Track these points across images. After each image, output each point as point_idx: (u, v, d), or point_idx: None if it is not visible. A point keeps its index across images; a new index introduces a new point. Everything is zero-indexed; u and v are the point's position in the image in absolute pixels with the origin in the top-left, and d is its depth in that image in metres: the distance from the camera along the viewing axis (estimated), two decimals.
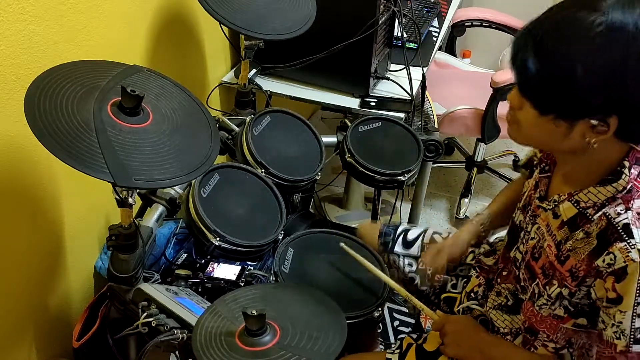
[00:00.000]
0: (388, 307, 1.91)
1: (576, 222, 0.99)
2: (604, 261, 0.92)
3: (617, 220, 0.92)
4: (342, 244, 1.35)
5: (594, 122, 0.87)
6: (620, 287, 0.91)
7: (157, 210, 1.33)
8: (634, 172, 0.93)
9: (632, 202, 0.92)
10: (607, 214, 0.93)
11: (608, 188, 0.94)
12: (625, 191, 0.93)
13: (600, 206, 0.95)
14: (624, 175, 0.93)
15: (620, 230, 0.91)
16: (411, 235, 1.43)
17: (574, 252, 0.98)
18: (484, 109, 2.27)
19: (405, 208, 2.45)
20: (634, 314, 0.90)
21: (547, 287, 1.03)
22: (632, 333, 0.91)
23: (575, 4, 0.86)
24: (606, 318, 0.95)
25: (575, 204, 0.98)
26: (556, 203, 1.02)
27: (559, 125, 0.90)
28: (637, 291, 0.89)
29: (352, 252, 1.33)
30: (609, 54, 0.82)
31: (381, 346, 1.76)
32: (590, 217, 0.96)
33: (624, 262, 0.89)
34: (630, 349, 0.92)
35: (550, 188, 1.08)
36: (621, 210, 0.92)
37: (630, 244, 0.89)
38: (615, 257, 0.90)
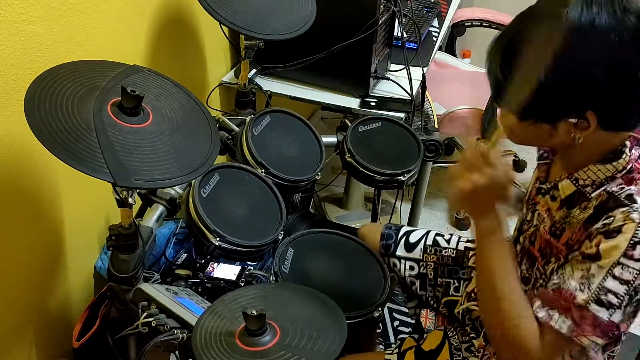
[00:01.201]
0: (388, 307, 1.91)
1: (574, 200, 0.98)
2: (600, 223, 0.91)
3: (619, 192, 0.91)
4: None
5: (572, 120, 0.88)
6: (605, 243, 0.88)
7: (157, 210, 1.33)
8: (635, 153, 0.94)
9: (634, 182, 0.92)
10: (608, 190, 0.93)
11: (608, 167, 0.94)
12: (625, 171, 0.93)
13: (599, 185, 0.95)
14: (624, 155, 0.93)
15: (624, 199, 0.90)
16: (413, 238, 1.42)
17: (568, 224, 0.98)
18: (483, 109, 2.28)
19: (405, 208, 2.45)
20: (609, 272, 0.88)
21: (546, 267, 1.03)
22: (597, 290, 0.88)
23: (538, 12, 0.89)
24: (568, 269, 0.92)
25: (575, 182, 0.98)
26: (556, 182, 1.02)
27: (541, 127, 0.92)
28: (625, 251, 0.87)
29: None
30: (569, 55, 0.84)
31: (381, 346, 1.76)
32: (587, 195, 0.96)
33: (623, 221, 0.87)
34: (589, 306, 0.89)
35: (550, 175, 1.08)
36: (623, 186, 0.92)
37: (633, 207, 0.88)
38: (614, 218, 0.89)
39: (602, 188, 0.94)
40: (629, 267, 0.87)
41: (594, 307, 0.89)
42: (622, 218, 0.88)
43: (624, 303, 0.88)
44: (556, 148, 1.04)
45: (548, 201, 1.04)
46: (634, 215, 0.87)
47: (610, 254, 0.88)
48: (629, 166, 0.93)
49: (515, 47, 0.89)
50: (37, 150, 1.18)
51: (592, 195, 0.95)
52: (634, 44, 0.84)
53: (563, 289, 0.92)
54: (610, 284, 0.88)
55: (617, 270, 0.88)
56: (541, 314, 0.93)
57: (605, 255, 0.88)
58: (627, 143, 0.94)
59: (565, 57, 0.84)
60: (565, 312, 0.91)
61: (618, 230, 0.88)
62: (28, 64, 1.15)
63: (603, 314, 0.89)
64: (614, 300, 0.88)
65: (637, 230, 0.86)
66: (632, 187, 0.91)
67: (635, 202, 0.89)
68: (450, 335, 1.27)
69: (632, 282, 0.88)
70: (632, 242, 0.87)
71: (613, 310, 0.89)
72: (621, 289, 0.88)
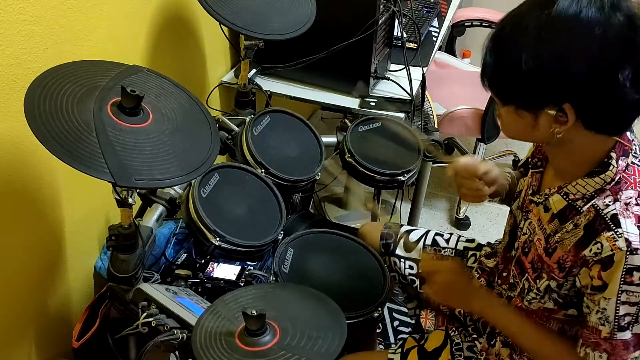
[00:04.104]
0: (388, 307, 1.91)
1: (565, 214, 0.99)
2: (590, 251, 0.93)
3: (605, 211, 0.93)
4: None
5: (551, 112, 0.89)
6: (606, 275, 0.92)
7: (157, 210, 1.33)
8: (622, 163, 0.94)
9: (620, 193, 0.94)
10: (596, 205, 0.94)
11: (596, 180, 0.95)
12: (613, 183, 0.94)
13: (589, 198, 0.96)
14: (611, 167, 0.94)
15: (608, 221, 0.92)
16: (412, 238, 1.43)
17: (560, 244, 0.99)
18: (483, 109, 2.28)
19: (405, 208, 2.45)
20: (618, 301, 0.91)
21: (538, 281, 1.03)
22: (616, 320, 0.92)
23: (533, 1, 0.90)
24: (591, 304, 0.96)
25: (565, 196, 0.99)
26: (547, 196, 1.03)
27: (523, 116, 0.93)
28: (622, 279, 0.90)
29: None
30: (551, 44, 0.86)
31: (381, 346, 1.76)
32: (579, 208, 0.97)
33: (611, 250, 0.90)
34: (614, 336, 0.93)
35: (542, 183, 1.09)
36: (609, 201, 0.93)
37: (617, 232, 0.90)
38: (602, 246, 0.91)
39: (592, 202, 0.95)
40: (632, 292, 0.91)
41: (619, 335, 0.94)
42: (610, 247, 0.91)
43: (639, 314, 0.93)
44: (545, 148, 1.05)
45: (540, 211, 1.05)
46: (620, 244, 0.90)
47: (613, 283, 0.91)
48: (617, 177, 0.94)
49: (506, 30, 0.91)
50: (37, 150, 1.18)
51: (584, 209, 0.96)
52: (617, 42, 0.84)
53: (589, 325, 0.97)
54: (623, 310, 0.92)
55: (623, 297, 0.91)
56: (582, 353, 0.99)
57: (610, 286, 0.92)
58: (613, 155, 0.94)
59: (546, 46, 0.86)
60: (597, 346, 0.96)
61: (611, 260, 0.91)
62: (28, 64, 1.15)
63: (627, 334, 0.94)
64: (630, 318, 0.93)
65: (627, 258, 0.89)
66: (617, 204, 0.93)
67: (619, 225, 0.91)
68: (452, 334, 1.27)
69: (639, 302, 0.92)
70: (625, 269, 0.90)
71: (632, 326, 0.93)
72: (632, 308, 0.92)
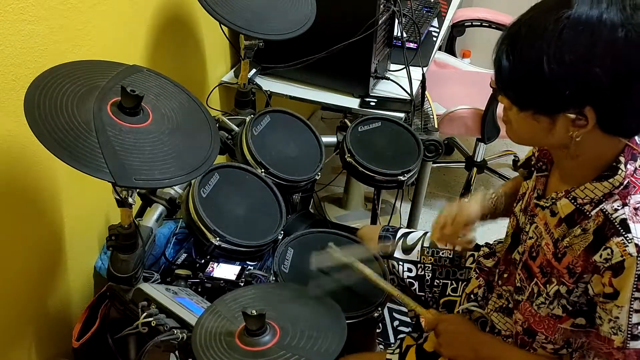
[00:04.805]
0: (388, 307, 1.91)
1: (574, 219, 0.99)
2: (601, 256, 0.92)
3: (614, 216, 0.92)
4: (330, 244, 1.33)
5: (571, 115, 0.88)
6: (617, 281, 0.91)
7: (157, 210, 1.33)
8: (630, 167, 0.94)
9: (629, 197, 0.93)
10: (604, 210, 0.94)
11: (604, 184, 0.95)
12: (622, 187, 0.94)
13: (598, 202, 0.95)
14: (620, 171, 0.93)
15: (618, 226, 0.91)
16: (410, 240, 1.43)
17: (570, 249, 0.98)
18: (483, 109, 2.28)
19: (405, 208, 2.45)
20: (631, 309, 0.91)
21: (547, 286, 1.03)
22: (629, 329, 0.92)
23: (549, 2, 0.88)
24: (603, 314, 0.95)
25: (573, 201, 0.99)
26: (554, 200, 1.03)
27: (540, 120, 0.92)
28: (634, 286, 0.89)
29: (338, 254, 1.31)
30: (574, 47, 0.84)
31: (380, 346, 1.76)
32: (587, 213, 0.96)
33: (621, 256, 0.90)
34: (627, 345, 0.93)
35: (547, 187, 1.09)
36: (618, 206, 0.93)
37: (627, 238, 0.90)
38: (612, 251, 0.91)
39: (600, 206, 0.95)
40: None
41: (632, 344, 0.93)
42: (620, 252, 0.90)
43: None
44: (553, 151, 1.04)
45: (547, 216, 1.05)
46: (630, 250, 0.89)
47: (624, 291, 0.91)
48: (625, 181, 0.93)
49: (522, 34, 0.89)
50: (37, 150, 1.17)
51: (592, 213, 0.96)
52: None
53: (601, 336, 0.96)
54: (635, 318, 0.91)
55: (636, 305, 0.91)
56: None
57: (622, 293, 0.91)
58: (622, 159, 0.94)
59: (568, 49, 0.84)
60: (609, 357, 0.96)
61: (622, 266, 0.90)
62: (28, 63, 1.15)
63: None
64: None
65: (638, 263, 0.89)
66: (626, 209, 0.92)
67: (628, 230, 0.90)
68: None
69: None
70: (637, 276, 0.89)
71: None
72: None
